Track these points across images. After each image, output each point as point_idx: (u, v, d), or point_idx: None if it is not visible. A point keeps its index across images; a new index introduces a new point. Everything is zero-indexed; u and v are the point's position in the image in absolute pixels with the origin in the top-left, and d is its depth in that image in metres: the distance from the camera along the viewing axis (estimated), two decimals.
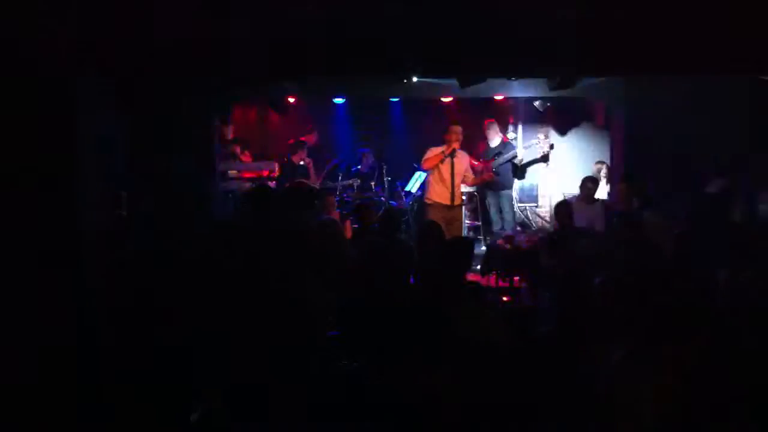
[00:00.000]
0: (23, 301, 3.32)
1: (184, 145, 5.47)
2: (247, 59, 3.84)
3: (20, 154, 3.36)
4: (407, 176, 8.21)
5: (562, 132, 8.77)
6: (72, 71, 3.46)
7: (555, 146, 8.27)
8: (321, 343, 3.22)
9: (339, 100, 8.47)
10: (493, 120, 7.95)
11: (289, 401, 2.75)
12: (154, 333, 3.26)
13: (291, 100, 7.92)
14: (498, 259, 5.91)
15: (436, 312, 3.05)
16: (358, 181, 8.24)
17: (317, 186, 7.53)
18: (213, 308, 3.31)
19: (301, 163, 7.69)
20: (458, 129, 6.50)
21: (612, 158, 7.49)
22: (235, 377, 2.93)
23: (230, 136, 8.15)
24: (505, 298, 5.42)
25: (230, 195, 6.79)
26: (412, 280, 4.15)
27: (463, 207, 7.50)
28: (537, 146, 8.19)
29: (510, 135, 8.63)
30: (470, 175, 6.84)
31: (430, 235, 4.56)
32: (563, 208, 5.66)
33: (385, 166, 8.28)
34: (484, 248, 7.24)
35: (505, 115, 8.86)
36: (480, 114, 8.12)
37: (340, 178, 8.14)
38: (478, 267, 5.99)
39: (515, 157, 7.88)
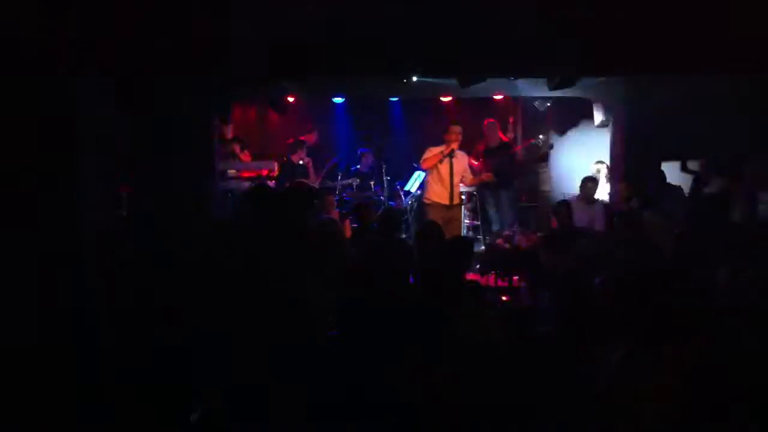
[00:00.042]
0: (23, 301, 3.32)
1: (184, 144, 5.48)
2: (247, 59, 3.83)
3: (20, 154, 3.36)
4: (407, 176, 8.20)
5: (562, 132, 8.77)
6: (72, 71, 3.47)
7: (555, 146, 8.27)
8: (321, 343, 3.22)
9: (339, 100, 8.46)
10: (493, 120, 7.95)
11: (289, 401, 2.75)
12: (154, 333, 3.25)
13: (291, 99, 7.90)
14: (497, 259, 5.91)
15: (436, 311, 3.05)
16: (358, 180, 8.22)
17: (317, 185, 7.52)
18: (213, 308, 3.30)
19: (301, 162, 7.67)
20: (458, 129, 6.51)
21: (612, 158, 7.49)
22: (235, 377, 2.93)
23: (230, 135, 8.13)
24: (504, 298, 5.41)
25: (230, 194, 6.76)
26: (411, 280, 4.15)
27: (463, 206, 7.50)
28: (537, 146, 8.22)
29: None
30: (469, 175, 6.84)
31: (429, 235, 4.56)
32: (563, 208, 5.67)
33: (384, 166, 8.25)
34: (483, 248, 7.23)
35: (505, 114, 8.85)
36: (480, 114, 8.10)
37: (339, 177, 8.12)
38: (478, 266, 6.00)
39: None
